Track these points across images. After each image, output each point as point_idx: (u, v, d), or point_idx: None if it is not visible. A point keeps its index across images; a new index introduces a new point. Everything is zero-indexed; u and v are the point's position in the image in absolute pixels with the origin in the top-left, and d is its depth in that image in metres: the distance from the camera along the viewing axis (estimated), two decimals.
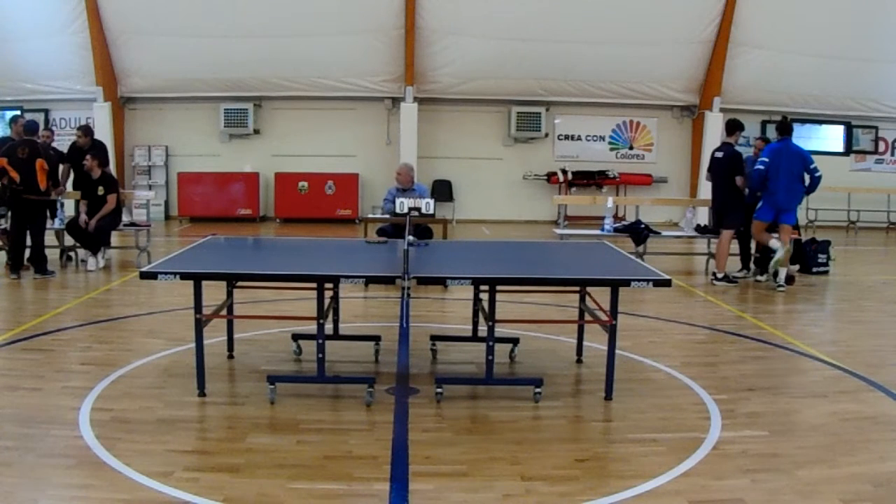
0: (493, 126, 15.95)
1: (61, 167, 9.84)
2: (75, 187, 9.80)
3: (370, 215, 10.15)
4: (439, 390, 4.65)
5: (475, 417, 4.47)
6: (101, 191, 9.33)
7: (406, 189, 9.34)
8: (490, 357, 4.67)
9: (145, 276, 4.54)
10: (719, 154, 9.21)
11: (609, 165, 15.87)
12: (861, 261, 12.15)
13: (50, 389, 4.76)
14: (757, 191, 8.78)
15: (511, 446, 3.99)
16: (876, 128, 16.45)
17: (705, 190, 11.15)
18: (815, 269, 9.78)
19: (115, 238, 10.08)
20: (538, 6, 14.12)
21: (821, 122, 16.19)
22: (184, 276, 4.51)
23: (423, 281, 4.85)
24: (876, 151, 16.61)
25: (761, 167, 8.57)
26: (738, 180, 8.92)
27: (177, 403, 4.52)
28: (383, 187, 11.81)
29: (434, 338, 5.71)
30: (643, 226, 9.98)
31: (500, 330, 5.00)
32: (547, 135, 15.90)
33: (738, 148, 9.28)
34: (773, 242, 8.58)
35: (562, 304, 6.91)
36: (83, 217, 9.21)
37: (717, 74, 15.03)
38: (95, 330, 6.39)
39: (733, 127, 9.19)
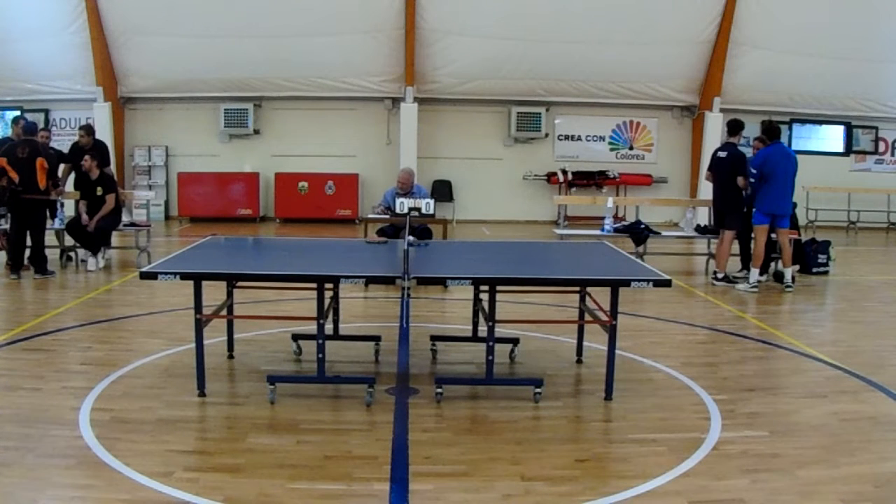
0: (493, 126, 15.93)
1: (62, 167, 9.85)
2: (75, 187, 9.80)
3: (370, 215, 10.15)
4: (439, 390, 4.65)
5: (475, 417, 4.47)
6: (99, 191, 9.35)
7: (406, 193, 9.35)
8: (490, 357, 4.67)
9: (145, 276, 4.55)
10: (722, 154, 9.18)
11: (609, 165, 15.85)
12: (861, 261, 12.13)
13: (50, 389, 4.76)
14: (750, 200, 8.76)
15: (511, 446, 3.99)
16: (876, 128, 16.43)
17: (705, 190, 11.16)
18: (815, 270, 9.78)
19: (115, 238, 10.08)
20: (538, 6, 14.10)
21: (821, 122, 16.18)
22: (184, 276, 4.51)
23: (423, 281, 4.84)
24: (876, 152, 16.59)
25: (753, 180, 8.55)
26: (740, 181, 8.88)
27: (177, 403, 4.53)
28: (383, 187, 11.83)
29: (434, 338, 5.72)
30: (643, 226, 9.98)
31: (500, 330, 5.00)
32: (547, 135, 15.89)
33: (738, 148, 9.28)
34: (753, 273, 8.64)
35: (562, 305, 6.92)
36: (84, 217, 9.23)
37: (717, 74, 15.01)
38: (95, 330, 6.39)
39: (736, 127, 9.17)
